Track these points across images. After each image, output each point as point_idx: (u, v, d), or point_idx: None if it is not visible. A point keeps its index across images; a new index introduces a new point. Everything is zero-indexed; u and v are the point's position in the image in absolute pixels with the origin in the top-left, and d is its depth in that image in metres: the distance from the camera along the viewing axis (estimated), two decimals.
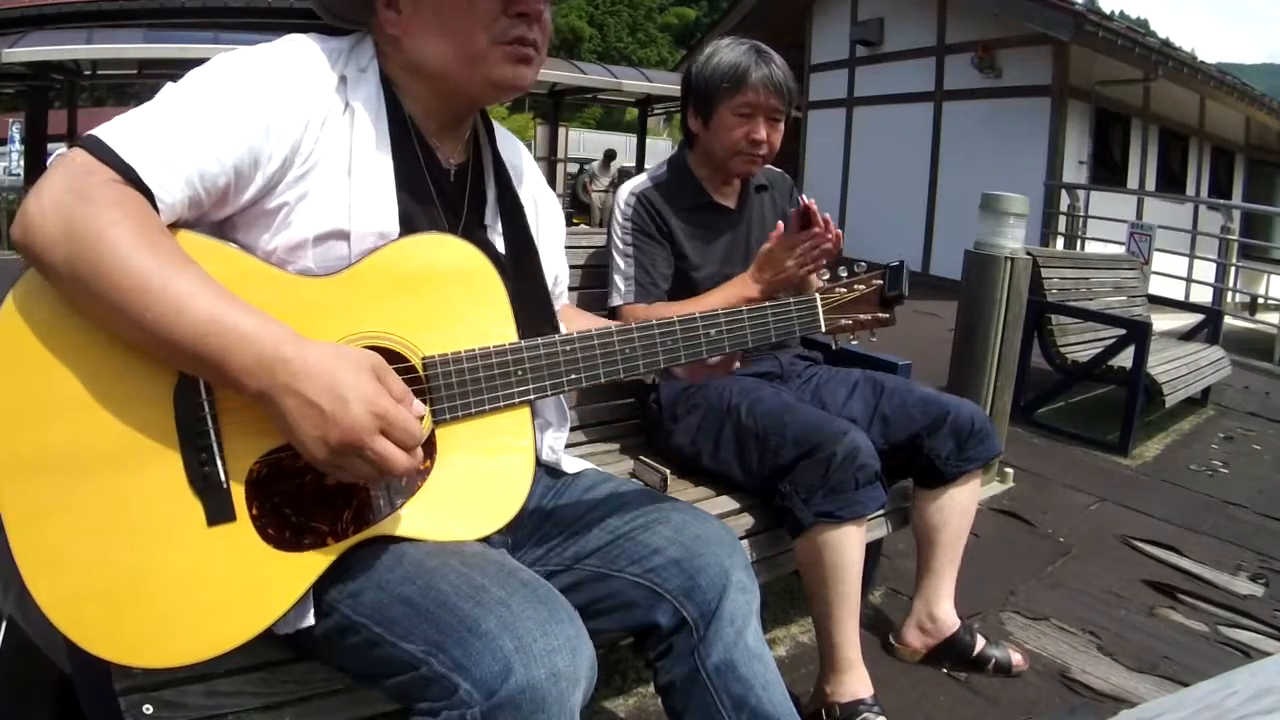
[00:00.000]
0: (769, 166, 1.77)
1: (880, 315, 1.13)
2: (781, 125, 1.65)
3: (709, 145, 1.66)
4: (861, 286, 1.11)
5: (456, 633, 0.78)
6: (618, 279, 1.64)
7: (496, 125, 1.11)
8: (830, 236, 1.44)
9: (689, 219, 1.68)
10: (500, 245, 1.05)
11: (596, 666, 0.82)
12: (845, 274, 1.12)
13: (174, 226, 0.81)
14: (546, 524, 1.08)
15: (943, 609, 1.70)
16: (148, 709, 0.88)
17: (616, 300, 1.64)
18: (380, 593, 0.84)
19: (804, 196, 1.50)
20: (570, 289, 1.73)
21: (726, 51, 1.61)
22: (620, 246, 1.65)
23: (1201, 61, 9.14)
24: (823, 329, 1.10)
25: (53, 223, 0.73)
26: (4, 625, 1.18)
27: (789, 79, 1.62)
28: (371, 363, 0.77)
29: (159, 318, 0.72)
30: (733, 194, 1.76)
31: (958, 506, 1.66)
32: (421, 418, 0.81)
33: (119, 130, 0.78)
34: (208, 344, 0.73)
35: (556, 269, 1.19)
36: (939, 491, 1.65)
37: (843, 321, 1.11)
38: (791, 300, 1.07)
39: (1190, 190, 10.08)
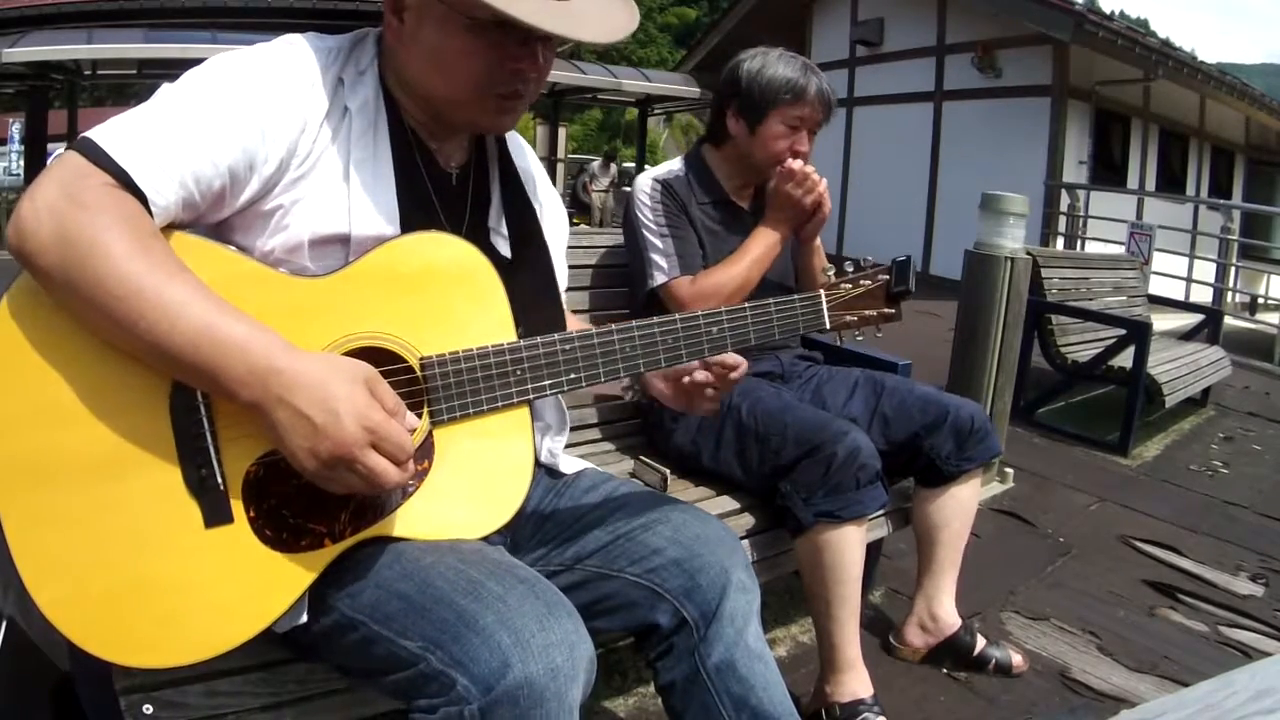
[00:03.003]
0: None
1: (886, 311, 1.12)
2: (815, 139, 1.69)
3: (748, 149, 1.67)
4: (867, 282, 1.11)
5: (454, 629, 0.78)
6: (657, 258, 1.63)
7: None
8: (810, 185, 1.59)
9: (707, 214, 1.70)
10: (504, 248, 1.04)
11: (596, 663, 0.82)
12: (851, 269, 1.11)
13: (170, 228, 0.81)
14: (547, 524, 1.08)
15: (944, 608, 1.70)
16: (148, 709, 0.88)
17: (660, 279, 1.62)
18: (377, 590, 0.84)
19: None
20: (575, 289, 1.73)
21: (782, 64, 1.63)
22: (654, 228, 1.64)
23: (1201, 61, 9.14)
24: (827, 326, 1.09)
25: (46, 227, 0.73)
26: (4, 625, 1.18)
27: (835, 95, 1.69)
28: (365, 375, 0.77)
29: (151, 326, 0.72)
30: (748, 196, 1.77)
31: (959, 506, 1.66)
32: (413, 430, 0.81)
33: (113, 133, 0.78)
34: (200, 354, 0.73)
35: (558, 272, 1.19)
36: (940, 490, 1.65)
37: (848, 318, 1.10)
38: (796, 297, 1.07)
39: (1190, 190, 10.07)
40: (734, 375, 1.06)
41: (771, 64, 1.64)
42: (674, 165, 1.75)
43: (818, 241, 1.68)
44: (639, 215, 1.66)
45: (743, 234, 1.71)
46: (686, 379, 1.07)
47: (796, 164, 1.57)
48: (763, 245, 1.61)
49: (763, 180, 1.73)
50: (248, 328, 0.75)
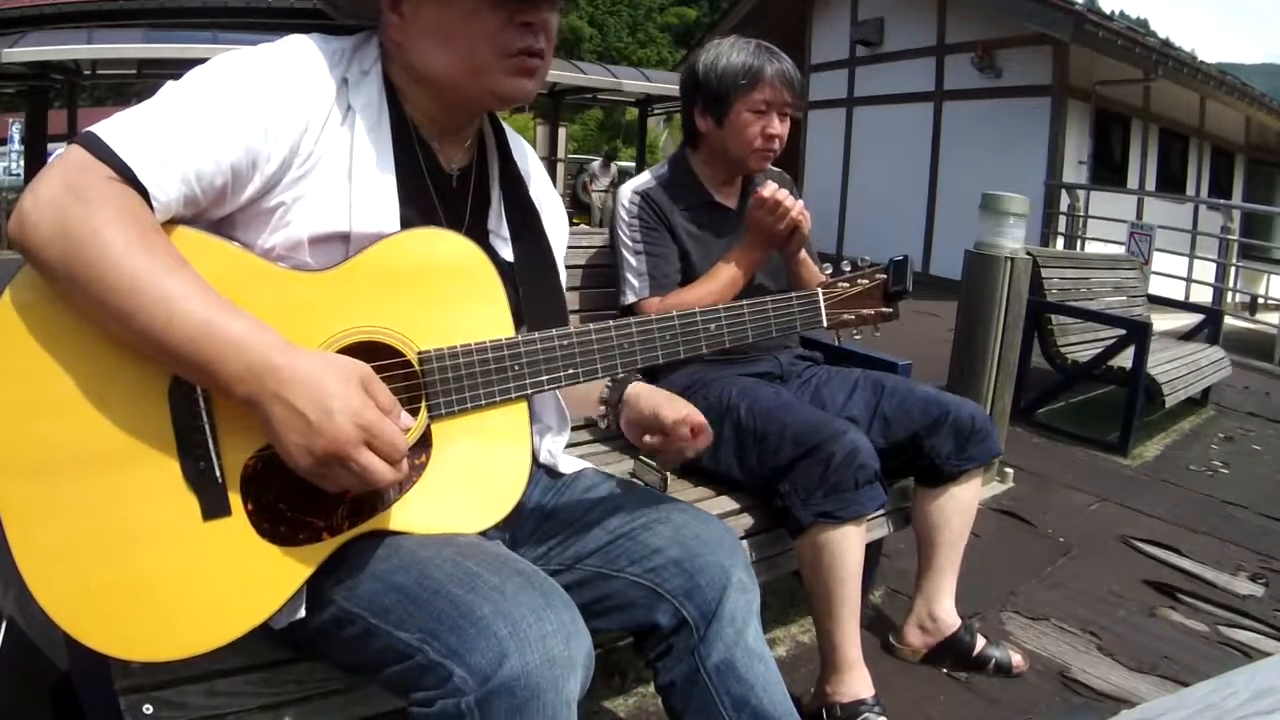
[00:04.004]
0: (769, 165, 1.77)
1: (884, 310, 1.12)
2: (789, 120, 1.67)
3: (723, 144, 1.66)
4: (865, 281, 1.11)
5: (450, 619, 0.78)
6: (630, 276, 1.64)
7: (506, 127, 1.11)
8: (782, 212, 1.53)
9: (691, 218, 1.69)
10: (504, 249, 1.04)
11: (594, 656, 0.81)
12: (849, 268, 1.11)
13: (171, 223, 0.81)
14: (547, 524, 1.08)
15: (943, 608, 1.70)
16: (148, 709, 0.88)
17: (631, 298, 1.63)
18: (375, 582, 0.84)
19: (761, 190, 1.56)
20: (571, 289, 1.73)
21: (735, 52, 1.62)
22: (629, 244, 1.65)
23: (1201, 61, 9.15)
24: (824, 324, 1.09)
25: (47, 220, 0.73)
26: (4, 625, 1.18)
27: (797, 73, 1.66)
28: (360, 374, 0.77)
29: (149, 320, 0.73)
30: (733, 194, 1.76)
31: (959, 506, 1.66)
32: (410, 429, 0.81)
33: (117, 127, 0.78)
34: (198, 350, 0.73)
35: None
36: (940, 490, 1.65)
37: (845, 316, 1.10)
38: (793, 295, 1.07)
39: (1190, 190, 10.07)
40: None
41: (725, 54, 1.63)
42: (656, 172, 1.74)
43: (803, 254, 1.66)
44: (618, 230, 1.67)
45: (730, 235, 1.70)
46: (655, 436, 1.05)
47: (768, 190, 1.52)
48: (736, 268, 1.58)
49: (745, 173, 1.73)
50: (246, 324, 0.75)
